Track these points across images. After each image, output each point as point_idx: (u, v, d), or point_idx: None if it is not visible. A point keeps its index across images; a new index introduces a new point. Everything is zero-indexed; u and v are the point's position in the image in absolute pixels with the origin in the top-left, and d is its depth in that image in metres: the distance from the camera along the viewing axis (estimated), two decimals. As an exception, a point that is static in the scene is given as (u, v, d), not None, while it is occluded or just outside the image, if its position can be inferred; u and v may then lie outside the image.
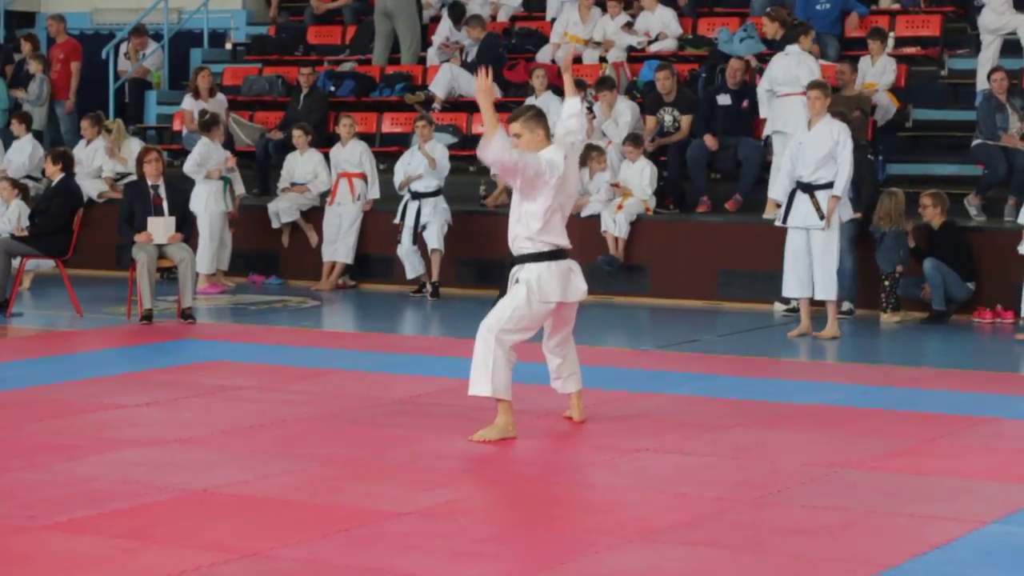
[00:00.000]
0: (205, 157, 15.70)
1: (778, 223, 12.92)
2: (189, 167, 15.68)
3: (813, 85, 12.95)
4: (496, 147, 8.31)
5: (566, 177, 8.61)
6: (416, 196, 15.47)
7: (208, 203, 15.62)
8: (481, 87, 8.42)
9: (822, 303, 12.83)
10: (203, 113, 16.87)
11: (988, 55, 15.99)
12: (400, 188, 15.60)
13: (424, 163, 15.40)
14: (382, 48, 18.83)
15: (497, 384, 8.48)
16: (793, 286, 12.83)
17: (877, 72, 15.84)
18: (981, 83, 15.75)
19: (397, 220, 15.60)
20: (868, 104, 15.15)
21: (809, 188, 12.60)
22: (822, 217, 12.52)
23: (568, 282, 8.73)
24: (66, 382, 10.38)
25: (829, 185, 12.56)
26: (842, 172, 12.52)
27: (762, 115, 15.39)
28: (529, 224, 8.57)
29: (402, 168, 15.62)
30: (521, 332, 8.63)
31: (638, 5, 17.88)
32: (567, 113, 9.01)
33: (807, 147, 12.64)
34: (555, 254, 8.67)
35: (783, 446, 8.60)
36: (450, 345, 9.25)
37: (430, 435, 8.68)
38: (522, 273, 8.62)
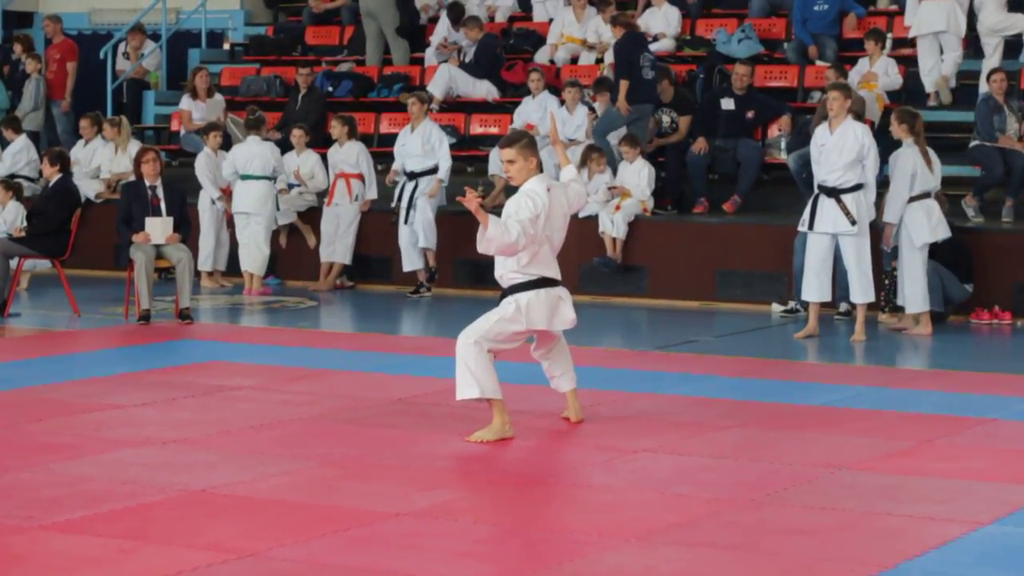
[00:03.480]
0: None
1: (801, 228, 12.83)
2: (286, 179, 15.87)
3: (834, 86, 12.88)
4: (497, 238, 8.33)
5: (552, 209, 8.60)
6: (412, 176, 15.43)
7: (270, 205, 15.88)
8: (469, 200, 8.38)
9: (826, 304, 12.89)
10: (252, 110, 16.80)
11: (995, 61, 15.96)
12: (389, 181, 15.64)
13: (418, 144, 15.32)
14: (373, 49, 18.84)
15: (484, 385, 8.47)
16: (813, 291, 12.72)
17: (879, 73, 15.80)
18: (985, 86, 15.78)
19: (394, 203, 15.56)
20: (862, 106, 15.04)
21: (835, 192, 12.54)
22: (853, 222, 12.45)
23: (556, 311, 8.72)
24: (64, 382, 10.38)
25: (856, 188, 12.50)
26: (872, 176, 12.51)
27: (906, 23, 16.05)
28: (519, 258, 8.58)
29: (399, 150, 15.58)
30: (500, 344, 8.63)
31: (643, 2, 17.86)
32: (566, 179, 9.15)
33: (830, 150, 12.54)
34: (545, 282, 8.67)
35: (781, 447, 8.60)
36: (447, 346, 9.23)
37: (427, 435, 8.68)
38: (512, 297, 8.68)
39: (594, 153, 15.43)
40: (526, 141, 8.64)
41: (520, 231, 8.37)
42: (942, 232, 12.94)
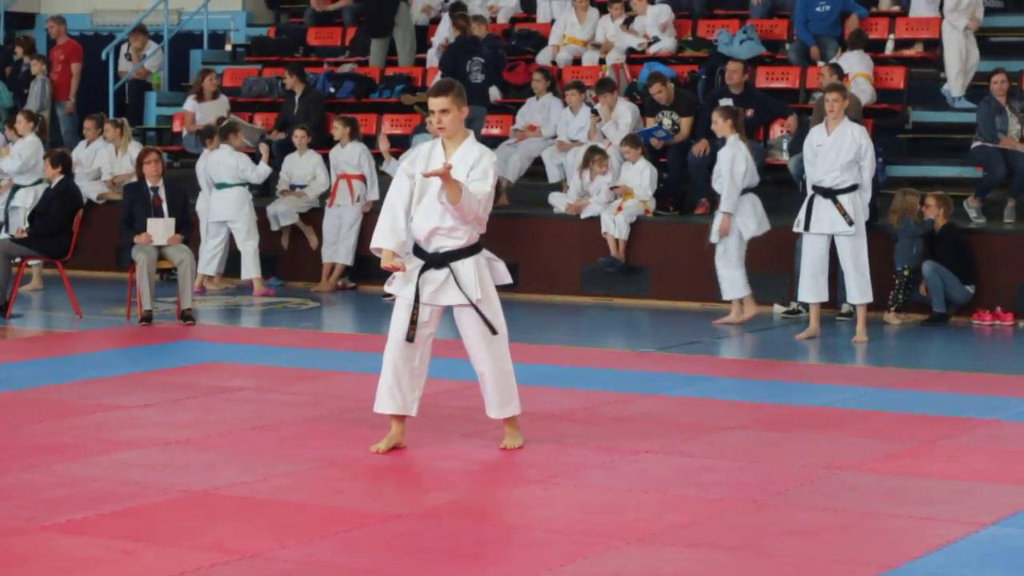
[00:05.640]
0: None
1: (797, 229, 12.87)
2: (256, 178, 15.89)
3: (831, 87, 12.91)
4: (474, 204, 7.93)
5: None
6: None
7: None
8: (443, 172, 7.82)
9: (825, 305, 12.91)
10: (220, 120, 16.76)
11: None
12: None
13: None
14: (378, 50, 18.84)
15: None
16: (811, 291, 12.75)
17: (844, 64, 15.78)
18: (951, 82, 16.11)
19: None
20: (858, 108, 14.90)
21: (831, 193, 12.55)
22: (851, 223, 12.46)
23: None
24: (66, 383, 10.38)
25: (852, 188, 12.52)
26: (869, 176, 12.58)
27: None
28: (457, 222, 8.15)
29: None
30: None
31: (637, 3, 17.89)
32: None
33: (827, 151, 12.55)
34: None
35: (783, 448, 8.59)
36: (448, 347, 9.24)
37: (429, 436, 8.67)
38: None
39: (596, 155, 15.41)
40: (458, 89, 8.17)
41: (489, 193, 8.05)
42: (765, 226, 13.50)
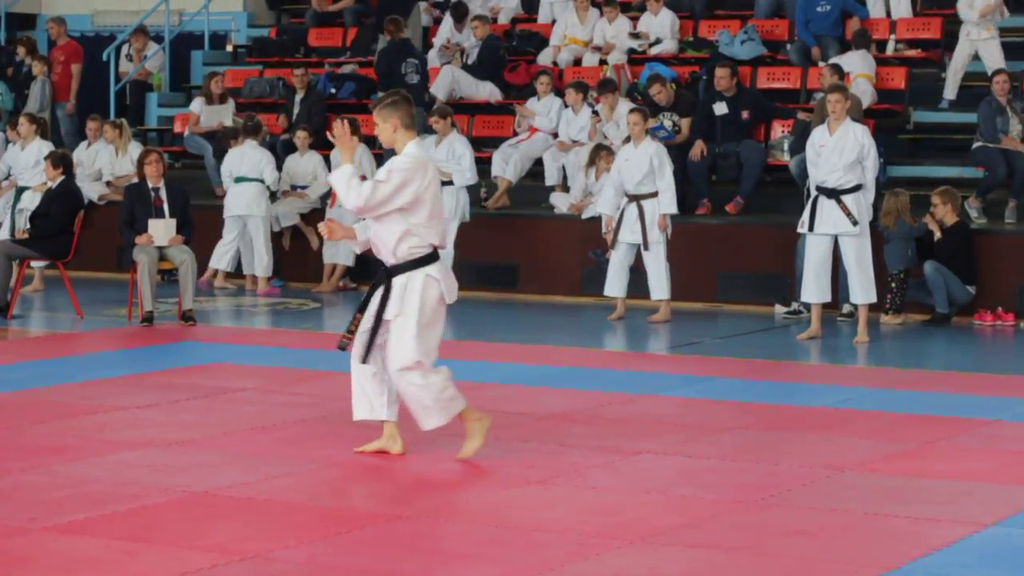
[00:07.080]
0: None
1: (801, 230, 12.88)
2: (276, 184, 16.02)
3: (833, 88, 12.91)
4: (352, 195, 7.83)
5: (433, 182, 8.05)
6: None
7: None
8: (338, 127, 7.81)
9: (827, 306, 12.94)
10: (251, 116, 16.85)
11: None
12: None
13: (444, 156, 15.01)
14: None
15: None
16: (813, 292, 12.75)
17: (846, 64, 15.78)
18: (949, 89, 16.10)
19: None
20: (859, 108, 14.87)
21: (835, 193, 12.55)
22: (855, 223, 12.46)
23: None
24: (67, 384, 10.38)
25: (855, 189, 12.52)
26: (872, 176, 12.60)
27: None
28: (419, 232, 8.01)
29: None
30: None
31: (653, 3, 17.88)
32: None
33: (830, 151, 12.55)
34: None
35: (784, 448, 8.60)
36: (450, 347, 9.24)
37: (429, 436, 8.67)
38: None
39: (602, 151, 15.39)
40: (388, 100, 8.06)
41: (382, 187, 7.83)
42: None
